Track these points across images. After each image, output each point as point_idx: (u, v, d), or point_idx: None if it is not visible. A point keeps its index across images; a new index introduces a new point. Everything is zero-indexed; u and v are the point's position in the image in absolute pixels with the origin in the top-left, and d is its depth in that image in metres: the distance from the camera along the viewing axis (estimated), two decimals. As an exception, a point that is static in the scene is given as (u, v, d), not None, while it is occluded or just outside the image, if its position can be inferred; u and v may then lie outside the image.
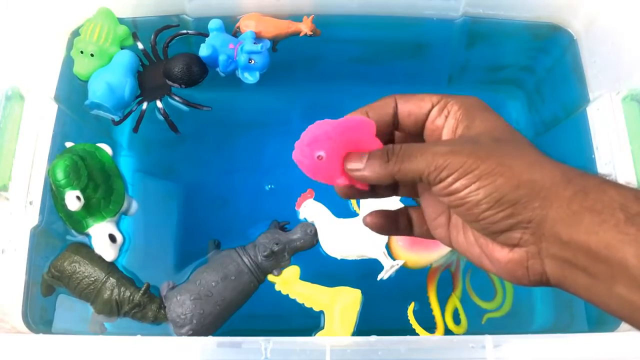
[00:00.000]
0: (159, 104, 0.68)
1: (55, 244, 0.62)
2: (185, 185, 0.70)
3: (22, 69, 0.64)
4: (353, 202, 0.65)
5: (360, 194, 0.34)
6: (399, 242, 0.61)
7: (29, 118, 0.62)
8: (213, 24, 0.69)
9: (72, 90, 0.69)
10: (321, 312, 0.59)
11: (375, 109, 0.33)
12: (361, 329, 0.58)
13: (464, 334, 0.60)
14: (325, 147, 0.31)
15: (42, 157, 0.63)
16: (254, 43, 0.68)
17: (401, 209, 0.36)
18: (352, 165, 0.31)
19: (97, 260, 0.59)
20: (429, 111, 0.32)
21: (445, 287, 0.61)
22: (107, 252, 0.60)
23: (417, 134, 0.33)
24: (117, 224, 0.63)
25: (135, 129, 0.68)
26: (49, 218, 0.62)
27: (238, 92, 0.73)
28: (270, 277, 0.61)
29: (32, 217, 0.61)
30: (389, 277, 0.60)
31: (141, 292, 0.58)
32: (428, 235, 0.35)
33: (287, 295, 0.60)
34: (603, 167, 0.64)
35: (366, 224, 0.35)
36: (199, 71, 0.69)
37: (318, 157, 0.31)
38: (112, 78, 0.66)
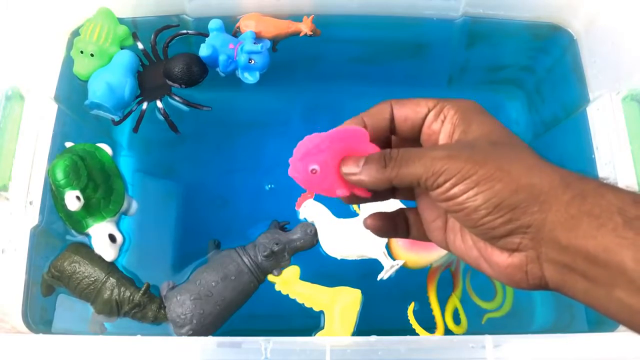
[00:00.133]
0: (159, 104, 0.68)
1: (55, 244, 0.62)
2: (185, 185, 0.70)
3: (22, 69, 0.64)
4: (353, 202, 0.65)
5: (362, 199, 0.34)
6: (399, 242, 0.61)
7: (29, 118, 0.62)
8: (213, 24, 0.69)
9: (72, 90, 0.69)
10: (321, 312, 0.59)
11: (372, 115, 0.33)
12: (361, 329, 0.58)
13: (464, 334, 0.60)
14: (318, 160, 0.31)
15: (42, 157, 0.63)
16: (254, 43, 0.68)
17: (398, 211, 0.36)
18: (348, 169, 0.31)
19: (97, 260, 0.59)
20: (426, 116, 0.32)
21: (445, 287, 0.61)
22: (107, 252, 0.60)
23: (413, 139, 0.33)
24: (117, 224, 0.63)
25: (135, 129, 0.68)
26: (49, 218, 0.62)
27: (238, 92, 0.73)
28: (270, 277, 0.61)
29: (32, 217, 0.61)
30: (389, 277, 0.60)
31: (141, 292, 0.58)
32: (425, 238, 0.35)
33: (287, 295, 0.60)
34: (603, 167, 0.64)
35: (366, 227, 0.35)
36: (199, 71, 0.69)
37: (312, 170, 0.31)
38: (112, 78, 0.66)
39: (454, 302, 0.61)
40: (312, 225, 0.62)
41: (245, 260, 0.59)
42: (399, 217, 0.35)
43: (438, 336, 0.58)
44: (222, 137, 0.72)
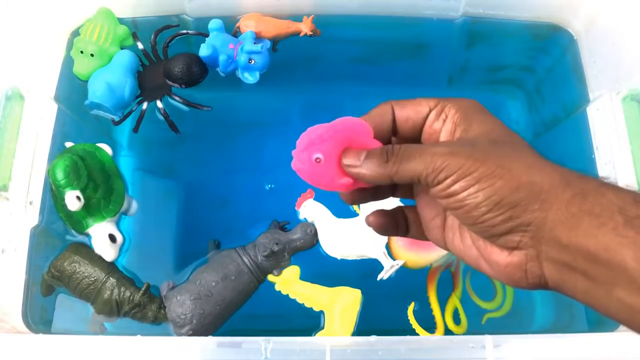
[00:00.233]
0: (159, 104, 0.68)
1: (55, 244, 0.62)
2: (185, 185, 0.70)
3: (22, 69, 0.64)
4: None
5: (364, 198, 0.34)
6: (399, 242, 0.61)
7: (29, 118, 0.62)
8: (213, 24, 0.69)
9: (72, 90, 0.69)
10: (321, 312, 0.59)
11: (373, 116, 0.33)
12: (361, 329, 0.58)
13: (464, 334, 0.60)
14: (322, 148, 0.31)
15: (42, 157, 0.63)
16: (254, 43, 0.68)
17: (397, 209, 0.36)
18: (348, 160, 0.31)
19: (97, 260, 0.59)
20: (427, 115, 0.32)
21: (445, 287, 0.61)
22: (107, 252, 0.60)
23: (415, 139, 0.33)
24: (117, 224, 0.63)
25: (135, 129, 0.68)
26: (49, 218, 0.62)
27: (238, 92, 0.73)
28: (270, 277, 0.61)
29: (32, 217, 0.61)
30: (389, 277, 0.60)
31: (141, 292, 0.58)
32: (423, 237, 0.35)
33: (287, 295, 0.60)
34: (603, 167, 0.64)
35: (369, 224, 0.35)
36: (199, 71, 0.69)
37: (316, 159, 0.31)
38: (112, 78, 0.66)
39: (454, 302, 0.61)
40: (312, 225, 0.62)
41: (245, 260, 0.59)
42: (398, 215, 0.35)
43: (438, 336, 0.58)
44: (222, 137, 0.72)
